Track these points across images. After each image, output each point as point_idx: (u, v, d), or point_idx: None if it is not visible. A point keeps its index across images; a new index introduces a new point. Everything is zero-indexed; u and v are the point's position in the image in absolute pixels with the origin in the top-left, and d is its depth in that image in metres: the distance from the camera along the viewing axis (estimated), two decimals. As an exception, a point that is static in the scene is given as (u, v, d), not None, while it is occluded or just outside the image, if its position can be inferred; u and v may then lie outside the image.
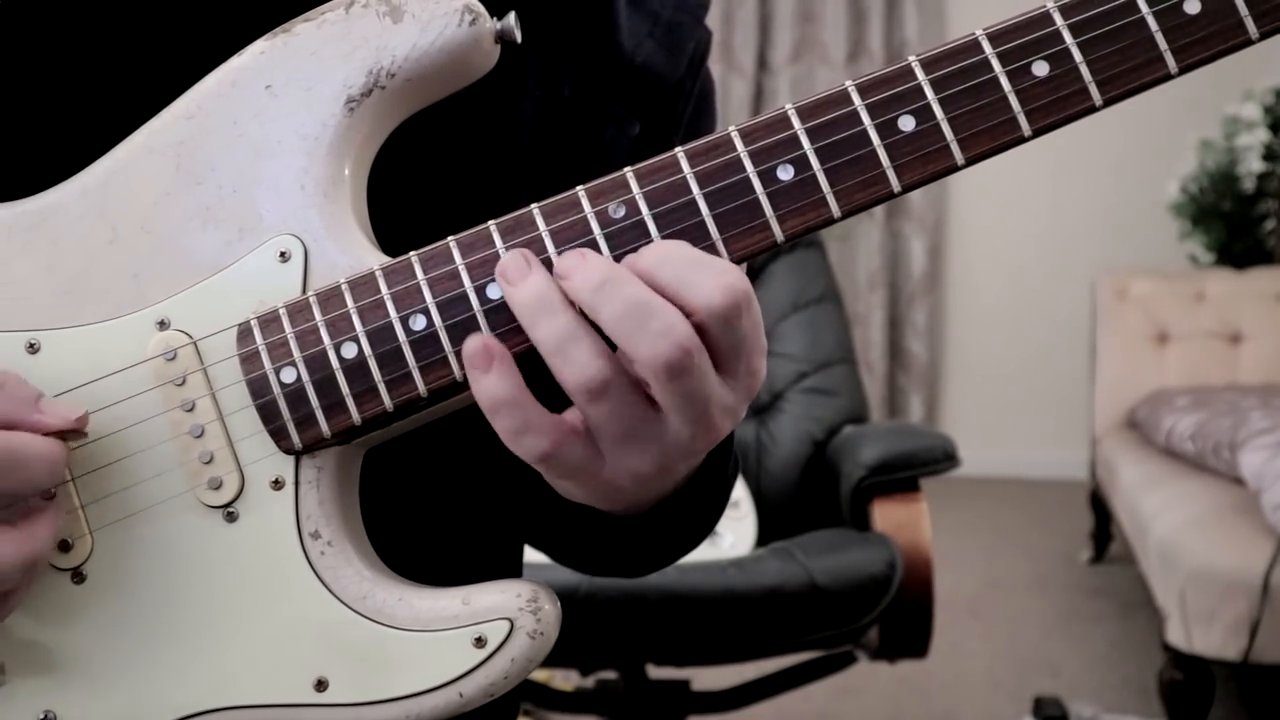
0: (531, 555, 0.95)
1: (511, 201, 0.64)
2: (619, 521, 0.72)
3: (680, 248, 0.60)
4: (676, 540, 0.80)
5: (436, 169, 0.75)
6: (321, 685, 0.63)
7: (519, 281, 0.60)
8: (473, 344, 0.60)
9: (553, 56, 0.78)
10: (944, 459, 2.52)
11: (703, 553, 2.44)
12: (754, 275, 2.91)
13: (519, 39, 0.66)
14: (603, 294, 0.58)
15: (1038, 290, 5.79)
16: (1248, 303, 4.40)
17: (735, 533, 2.57)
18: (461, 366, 0.62)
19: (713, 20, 6.34)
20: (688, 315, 0.58)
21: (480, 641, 0.62)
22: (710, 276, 0.58)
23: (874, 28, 5.82)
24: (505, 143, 0.76)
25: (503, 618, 0.62)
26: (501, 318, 0.62)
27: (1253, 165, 4.61)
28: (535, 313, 0.59)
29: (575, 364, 0.58)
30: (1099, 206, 5.68)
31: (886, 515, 2.47)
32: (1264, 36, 0.61)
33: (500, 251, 0.62)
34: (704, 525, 0.80)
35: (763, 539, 2.60)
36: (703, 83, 0.85)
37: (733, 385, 0.61)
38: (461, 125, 0.75)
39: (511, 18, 0.66)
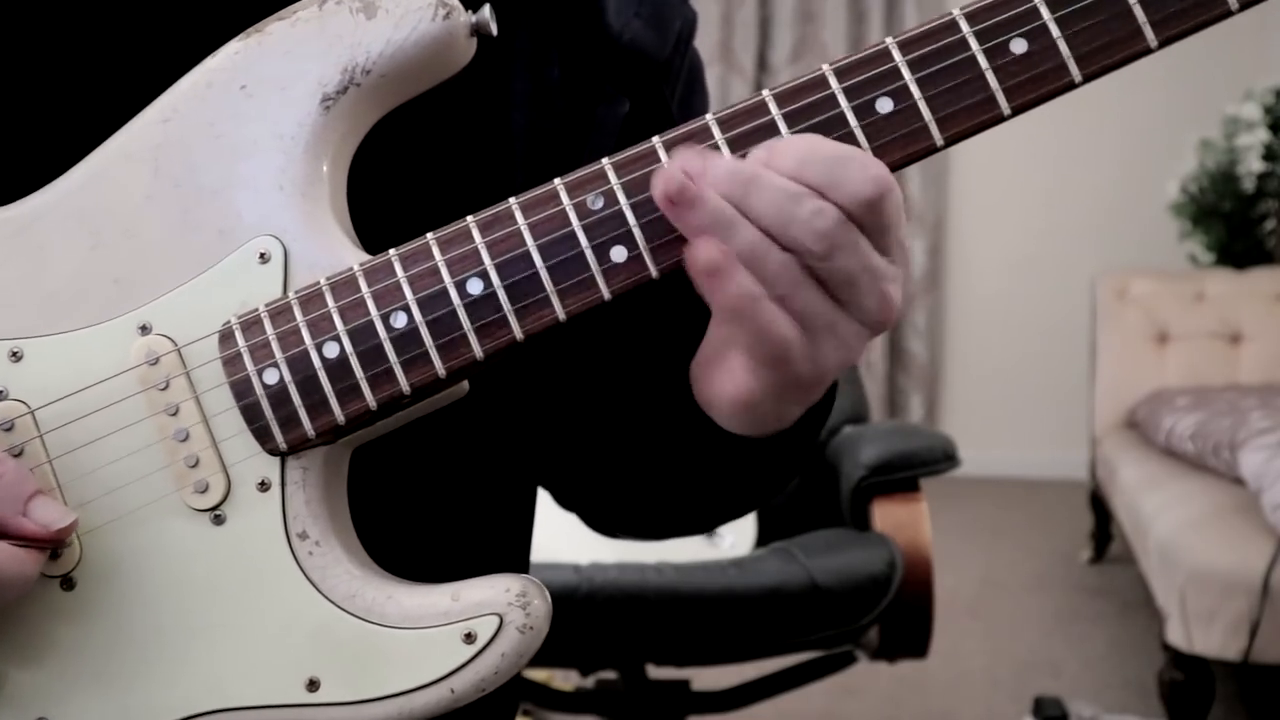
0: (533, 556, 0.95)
1: (506, 185, 0.64)
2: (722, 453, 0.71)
3: (818, 145, 0.60)
4: (768, 479, 0.79)
5: (429, 159, 0.75)
6: (313, 685, 0.63)
7: (705, 174, 0.59)
8: (705, 248, 0.59)
9: (541, 38, 0.78)
10: (944, 459, 2.52)
11: (703, 553, 2.44)
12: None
13: (495, 32, 0.66)
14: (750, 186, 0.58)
15: (1037, 290, 5.79)
16: (1248, 303, 4.40)
17: (735, 533, 2.57)
18: (443, 363, 0.63)
19: (713, 20, 6.30)
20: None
21: (470, 637, 0.62)
22: (855, 170, 0.59)
23: (874, 28, 5.81)
24: (497, 126, 0.77)
25: (491, 613, 0.62)
26: (484, 311, 0.62)
27: (1253, 165, 4.60)
28: (747, 186, 0.59)
29: (808, 215, 0.58)
30: (1099, 206, 5.67)
31: (886, 515, 2.47)
32: (1244, 7, 0.60)
33: (480, 247, 0.63)
34: (788, 470, 0.79)
35: (763, 539, 2.60)
36: (691, 60, 0.86)
37: (891, 258, 0.61)
38: (454, 112, 0.75)
39: (486, 10, 0.65)
